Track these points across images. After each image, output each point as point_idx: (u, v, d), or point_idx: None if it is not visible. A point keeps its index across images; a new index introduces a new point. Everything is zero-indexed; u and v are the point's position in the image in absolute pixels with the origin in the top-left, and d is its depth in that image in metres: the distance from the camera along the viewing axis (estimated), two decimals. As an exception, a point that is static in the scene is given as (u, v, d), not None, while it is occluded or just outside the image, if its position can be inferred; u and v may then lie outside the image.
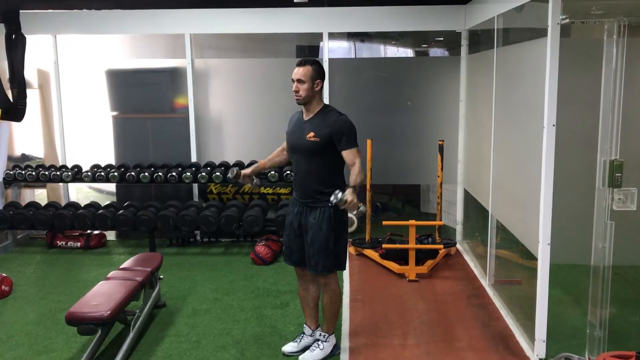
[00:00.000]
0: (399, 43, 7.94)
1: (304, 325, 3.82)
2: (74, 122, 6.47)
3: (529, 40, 3.77)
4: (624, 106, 3.30)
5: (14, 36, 2.97)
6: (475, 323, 4.15)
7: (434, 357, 3.65)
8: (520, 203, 3.92)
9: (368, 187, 5.67)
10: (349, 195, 3.12)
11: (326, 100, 5.97)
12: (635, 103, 3.58)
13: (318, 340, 3.69)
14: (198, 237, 6.30)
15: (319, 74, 3.41)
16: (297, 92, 3.39)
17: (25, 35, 3.07)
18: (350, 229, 6.29)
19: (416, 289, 4.84)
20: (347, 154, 3.35)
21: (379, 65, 6.59)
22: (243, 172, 3.70)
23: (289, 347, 3.76)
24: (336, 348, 3.72)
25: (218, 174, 5.76)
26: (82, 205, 6.08)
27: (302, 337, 3.79)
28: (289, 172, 5.67)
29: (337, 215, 3.45)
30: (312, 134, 3.39)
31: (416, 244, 5.12)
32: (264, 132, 6.25)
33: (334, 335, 3.72)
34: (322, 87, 3.45)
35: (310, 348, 3.68)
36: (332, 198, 3.13)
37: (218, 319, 4.27)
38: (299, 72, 3.38)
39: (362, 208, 3.15)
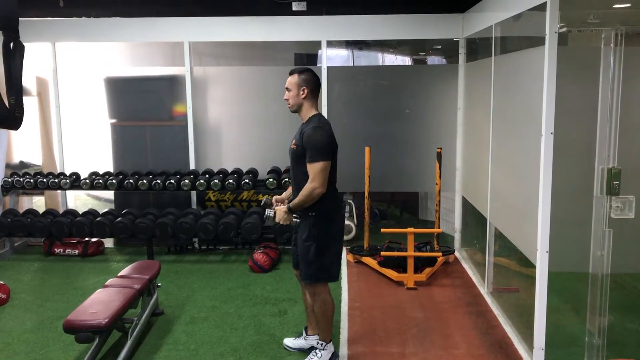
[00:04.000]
0: (397, 51, 7.97)
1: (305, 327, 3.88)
2: (73, 129, 6.47)
3: (527, 49, 3.79)
4: (622, 114, 3.31)
5: (12, 44, 2.97)
6: (474, 331, 4.14)
7: (433, 365, 3.66)
8: (519, 211, 3.93)
9: (366, 194, 5.68)
10: (277, 214, 3.44)
11: (325, 108, 5.99)
12: (633, 111, 3.59)
13: (316, 348, 3.68)
14: (196, 245, 6.30)
15: (304, 81, 3.45)
16: (286, 100, 3.50)
17: (24, 43, 3.07)
18: (349, 237, 6.29)
19: (414, 296, 4.83)
20: (308, 168, 3.34)
21: (377, 73, 6.60)
22: (275, 197, 3.73)
23: (287, 341, 3.91)
24: (335, 356, 3.70)
25: (216, 181, 5.75)
26: (80, 213, 6.07)
27: (300, 337, 3.87)
28: (287, 179, 5.67)
29: (321, 225, 3.43)
30: (294, 141, 3.45)
31: (414, 251, 5.12)
32: (263, 140, 6.26)
33: (331, 343, 3.70)
34: (308, 95, 3.46)
35: (309, 356, 3.67)
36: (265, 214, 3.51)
37: (216, 327, 4.26)
38: (287, 81, 3.50)
39: (294, 221, 3.44)
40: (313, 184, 3.30)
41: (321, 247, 3.45)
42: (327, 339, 3.67)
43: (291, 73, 3.50)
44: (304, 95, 3.45)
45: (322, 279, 3.51)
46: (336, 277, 3.58)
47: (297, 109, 3.50)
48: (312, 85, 3.47)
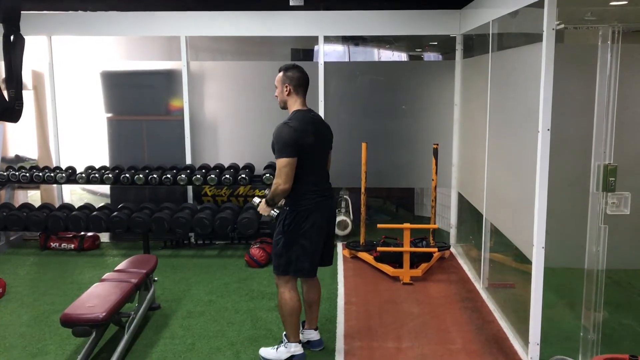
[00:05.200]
0: (394, 47, 7.97)
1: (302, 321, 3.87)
2: (69, 123, 6.45)
3: (524, 46, 3.80)
4: (618, 111, 3.33)
5: (12, 37, 2.97)
6: (469, 326, 4.16)
7: (428, 359, 3.67)
8: (515, 207, 3.94)
9: (363, 190, 5.69)
10: (260, 204, 3.56)
11: (321, 104, 5.99)
12: (629, 108, 3.61)
13: (282, 341, 3.69)
14: (192, 240, 6.30)
15: (288, 78, 3.51)
16: (276, 96, 3.59)
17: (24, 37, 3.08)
18: (345, 232, 6.31)
19: (410, 292, 4.85)
20: (276, 164, 3.40)
21: (374, 69, 6.61)
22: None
23: None
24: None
25: (213, 176, 5.75)
26: (76, 207, 6.06)
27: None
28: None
29: (292, 221, 3.46)
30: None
31: (410, 247, 5.13)
32: (259, 135, 6.25)
33: (296, 345, 3.63)
34: (291, 92, 3.50)
35: (270, 347, 3.72)
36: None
37: (213, 321, 4.27)
38: (275, 78, 3.57)
39: (272, 213, 3.58)
40: (276, 180, 3.38)
41: (288, 242, 3.48)
42: (290, 337, 3.63)
43: (279, 70, 3.56)
44: (287, 92, 3.51)
45: (289, 272, 3.52)
46: (306, 273, 3.57)
47: (284, 106, 3.59)
48: (296, 82, 3.50)
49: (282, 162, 3.34)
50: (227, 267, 5.54)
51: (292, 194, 3.45)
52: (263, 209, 3.55)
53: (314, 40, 6.25)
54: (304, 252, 3.49)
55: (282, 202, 3.56)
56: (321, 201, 3.53)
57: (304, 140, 3.39)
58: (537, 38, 3.37)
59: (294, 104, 3.53)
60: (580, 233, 3.48)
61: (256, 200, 3.69)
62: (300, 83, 3.51)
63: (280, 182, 3.35)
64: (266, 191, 3.70)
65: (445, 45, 7.13)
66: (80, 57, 6.47)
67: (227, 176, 5.74)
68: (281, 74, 3.53)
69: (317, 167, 3.55)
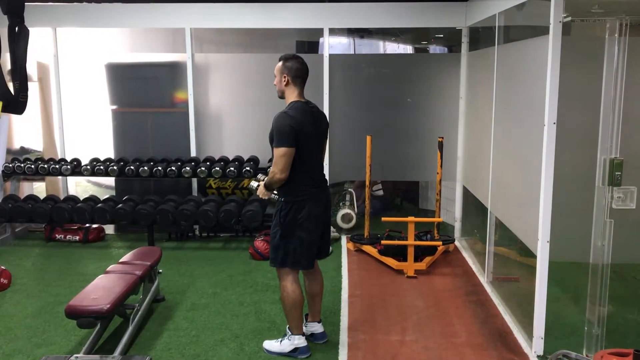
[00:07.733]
0: (399, 39, 7.94)
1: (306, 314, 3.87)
2: (74, 115, 6.46)
3: (530, 38, 3.78)
4: (625, 105, 3.31)
5: (16, 29, 2.97)
6: (474, 320, 4.16)
7: (432, 353, 3.67)
8: (520, 200, 3.93)
9: (367, 183, 5.68)
10: (259, 188, 3.58)
11: (326, 96, 5.96)
12: (636, 102, 3.58)
13: (286, 333, 3.69)
14: (197, 232, 6.31)
15: (286, 68, 3.50)
16: (275, 85, 3.59)
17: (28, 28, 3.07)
18: (349, 225, 6.30)
19: (414, 285, 4.85)
20: (274, 152, 3.40)
21: (379, 62, 6.59)
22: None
23: None
24: (300, 353, 3.61)
25: (217, 168, 5.75)
26: (81, 199, 6.07)
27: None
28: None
29: (287, 212, 3.46)
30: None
31: (415, 240, 5.13)
32: (263, 127, 6.16)
33: (301, 338, 3.63)
34: (289, 82, 3.50)
35: (274, 340, 3.70)
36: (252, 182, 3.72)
37: (217, 314, 4.28)
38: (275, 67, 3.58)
39: (273, 196, 3.59)
40: (273, 168, 3.39)
41: (285, 234, 3.47)
42: (293, 329, 3.63)
43: (279, 59, 3.56)
44: (284, 82, 3.51)
45: (286, 264, 3.52)
46: (304, 265, 3.56)
47: (281, 95, 3.59)
48: (294, 73, 3.49)
49: (280, 151, 3.34)
50: (232, 259, 5.55)
51: (287, 184, 3.44)
52: (263, 192, 3.56)
53: (319, 32, 6.23)
54: (301, 244, 3.49)
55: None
56: (316, 192, 3.54)
57: (303, 130, 3.39)
58: (543, 31, 3.35)
59: (291, 95, 3.52)
60: (585, 227, 3.47)
61: (254, 184, 3.69)
62: (299, 74, 3.50)
63: (276, 170, 3.35)
64: (260, 175, 3.73)
65: (451, 37, 7.10)
66: (85, 49, 6.47)
67: (232, 169, 5.74)
68: (280, 63, 3.53)
69: (314, 158, 3.55)
